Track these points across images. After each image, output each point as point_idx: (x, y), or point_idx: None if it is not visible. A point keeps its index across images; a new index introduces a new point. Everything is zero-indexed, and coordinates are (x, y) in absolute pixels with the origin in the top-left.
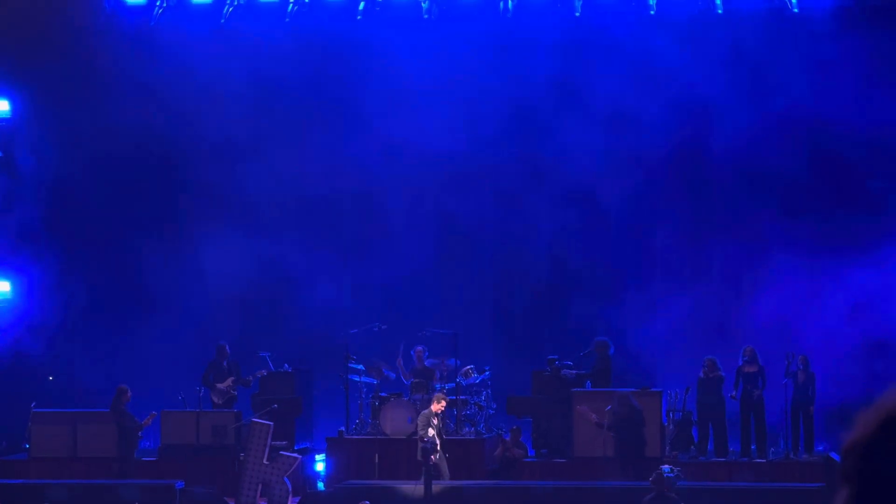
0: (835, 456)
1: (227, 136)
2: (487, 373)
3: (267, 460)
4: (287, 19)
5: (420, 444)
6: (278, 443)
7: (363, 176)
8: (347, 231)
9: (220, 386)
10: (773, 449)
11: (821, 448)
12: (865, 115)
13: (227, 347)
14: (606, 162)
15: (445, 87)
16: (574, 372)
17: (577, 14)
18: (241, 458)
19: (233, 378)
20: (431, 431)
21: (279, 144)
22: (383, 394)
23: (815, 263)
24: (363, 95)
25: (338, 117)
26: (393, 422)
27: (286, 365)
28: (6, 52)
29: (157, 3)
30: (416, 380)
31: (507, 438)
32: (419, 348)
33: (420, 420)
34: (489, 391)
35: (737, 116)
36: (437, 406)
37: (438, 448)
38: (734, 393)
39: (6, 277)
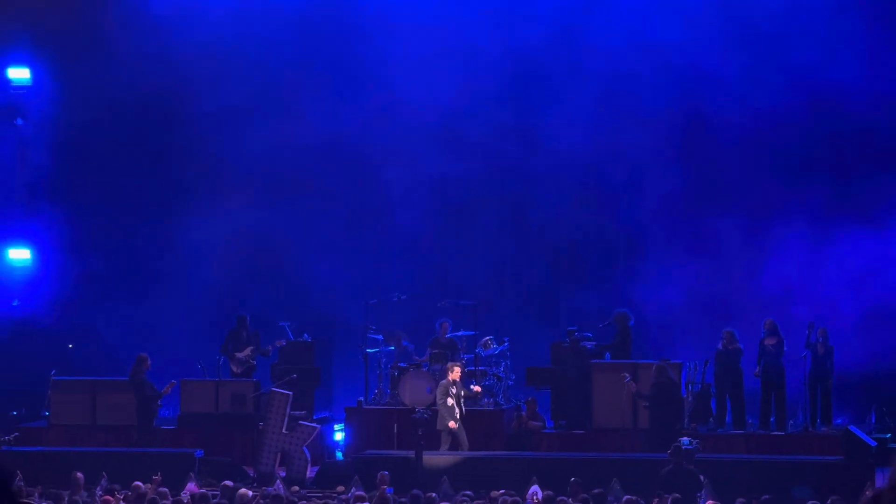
0: (854, 429)
1: (241, 105)
2: (506, 343)
3: (286, 430)
4: None
5: (412, 416)
6: (297, 412)
7: (376, 147)
8: (365, 201)
9: (239, 355)
10: (791, 421)
11: (839, 421)
12: (874, 82)
13: (248, 317)
14: (615, 132)
15: (458, 50)
16: (594, 343)
17: None
18: (260, 427)
19: (252, 347)
20: (451, 401)
21: (290, 112)
22: (402, 364)
23: (827, 231)
24: (383, 60)
25: (363, 88)
26: (412, 392)
27: (305, 335)
28: (27, 20)
29: None
30: (436, 350)
31: (524, 411)
32: (444, 321)
33: (439, 391)
34: (508, 362)
35: (748, 83)
36: (453, 375)
37: (458, 417)
38: (757, 370)
39: (26, 245)
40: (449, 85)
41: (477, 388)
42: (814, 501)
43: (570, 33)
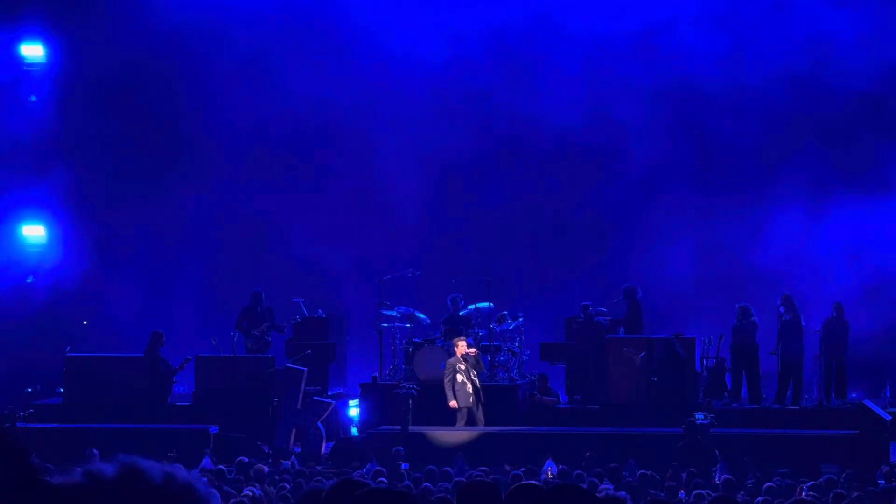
0: (868, 403)
1: (250, 73)
2: (521, 319)
3: (301, 406)
4: None
5: (395, 391)
6: (312, 388)
7: (373, 123)
8: (370, 177)
9: (254, 332)
10: (806, 396)
11: (854, 395)
12: (874, 48)
13: (263, 294)
14: (617, 105)
15: (449, 23)
16: (608, 318)
17: None
18: (275, 403)
19: (267, 324)
20: (460, 377)
21: (287, 89)
22: (417, 340)
23: (833, 203)
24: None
25: (357, 64)
26: (426, 367)
27: (320, 310)
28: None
29: None
30: (450, 327)
31: (538, 387)
32: (456, 296)
33: (447, 368)
34: (523, 337)
35: (746, 53)
36: (458, 350)
37: (470, 391)
38: (776, 348)
39: (40, 221)
40: (443, 58)
41: (472, 350)
42: (830, 475)
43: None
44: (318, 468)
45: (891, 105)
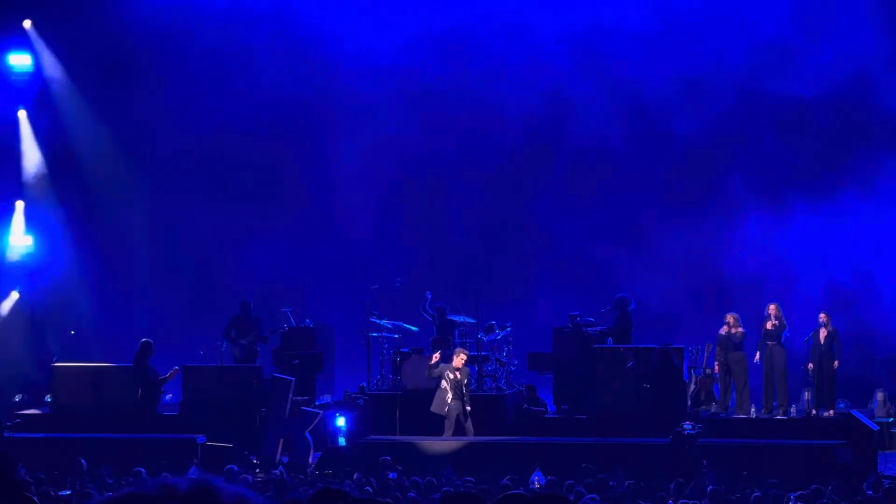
0: (856, 413)
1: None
2: (509, 329)
3: (288, 415)
4: None
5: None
6: (300, 398)
7: (372, 126)
8: (369, 183)
9: (242, 341)
10: (794, 406)
11: (842, 405)
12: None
13: (251, 303)
14: (599, 111)
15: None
16: (596, 328)
17: None
18: (263, 413)
19: (255, 334)
20: (445, 384)
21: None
22: (404, 349)
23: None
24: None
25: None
26: (414, 377)
27: (307, 320)
28: (30, 8)
29: None
30: (437, 336)
31: (525, 397)
32: (442, 306)
33: (441, 368)
34: (510, 347)
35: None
36: (457, 361)
37: (448, 400)
38: (757, 356)
39: (29, 232)
40: (425, 66)
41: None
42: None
43: None
44: (307, 477)
45: (854, 109)
